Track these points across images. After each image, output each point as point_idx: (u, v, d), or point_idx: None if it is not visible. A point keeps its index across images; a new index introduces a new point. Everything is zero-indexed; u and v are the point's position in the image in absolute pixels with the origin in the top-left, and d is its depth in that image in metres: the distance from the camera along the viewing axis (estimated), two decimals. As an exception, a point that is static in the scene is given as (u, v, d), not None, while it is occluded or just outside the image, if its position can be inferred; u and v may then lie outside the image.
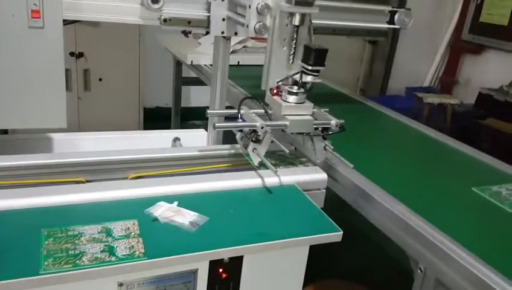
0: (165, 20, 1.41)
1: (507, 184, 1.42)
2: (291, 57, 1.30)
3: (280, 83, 1.31)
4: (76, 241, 0.91)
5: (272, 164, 1.26)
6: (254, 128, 1.21)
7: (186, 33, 1.52)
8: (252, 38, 2.74)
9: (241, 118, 1.28)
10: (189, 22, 1.45)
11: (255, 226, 1.04)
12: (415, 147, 1.80)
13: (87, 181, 1.23)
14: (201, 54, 2.57)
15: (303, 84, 1.29)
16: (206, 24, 1.47)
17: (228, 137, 1.69)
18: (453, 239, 1.06)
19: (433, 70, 4.83)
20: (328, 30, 1.68)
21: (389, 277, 1.91)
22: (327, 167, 1.41)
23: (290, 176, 1.27)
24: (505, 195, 1.35)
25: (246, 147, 1.28)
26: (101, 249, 0.90)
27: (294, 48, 1.29)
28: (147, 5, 1.35)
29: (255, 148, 1.24)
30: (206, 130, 1.76)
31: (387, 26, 1.70)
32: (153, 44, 3.58)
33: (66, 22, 1.31)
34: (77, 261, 0.86)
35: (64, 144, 1.55)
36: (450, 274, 1.03)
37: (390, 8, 1.68)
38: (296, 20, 1.25)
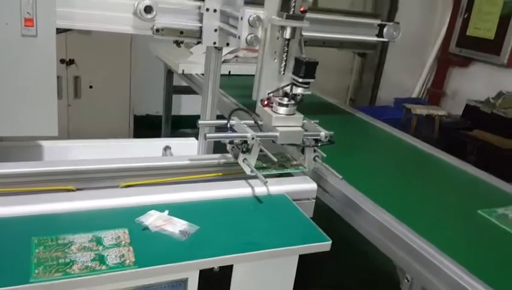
0: (157, 30, 1.42)
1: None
2: (282, 69, 1.32)
3: (271, 95, 1.33)
4: (66, 250, 0.92)
5: (263, 167, 1.30)
6: (245, 139, 1.23)
7: (178, 43, 1.52)
8: (243, 48, 2.76)
9: (231, 128, 1.30)
10: (181, 32, 1.46)
11: (245, 235, 1.05)
12: (404, 158, 1.82)
13: (78, 189, 1.24)
14: (193, 63, 2.58)
15: (293, 96, 1.31)
16: (198, 34, 1.49)
17: (219, 146, 1.71)
18: (439, 249, 1.08)
19: (422, 82, 4.91)
20: (318, 42, 1.71)
21: (377, 286, 1.93)
22: (317, 177, 1.42)
23: (280, 186, 1.28)
24: (511, 217, 1.33)
25: (236, 157, 1.29)
26: (92, 257, 0.90)
27: (285, 60, 1.31)
28: (140, 15, 1.36)
29: (245, 159, 1.25)
30: (197, 139, 1.77)
31: (376, 39, 1.73)
32: (144, 51, 3.59)
33: (59, 31, 1.31)
34: (67, 270, 0.86)
35: (54, 152, 1.55)
36: (437, 284, 1.05)
37: (379, 22, 1.71)
38: (287, 34, 1.27)
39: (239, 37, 1.29)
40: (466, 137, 3.73)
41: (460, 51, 4.48)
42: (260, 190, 1.25)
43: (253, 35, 1.27)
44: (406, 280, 1.13)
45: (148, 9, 1.36)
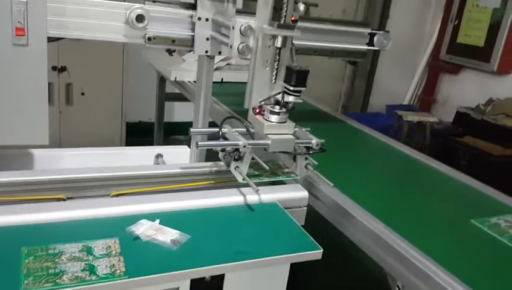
0: (149, 39, 1.42)
1: (506, 215, 1.40)
2: (273, 77, 1.33)
3: (262, 103, 1.34)
4: (56, 260, 0.91)
5: (255, 174, 1.30)
6: (237, 147, 1.23)
7: (170, 52, 1.53)
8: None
9: (223, 136, 1.30)
10: (173, 41, 1.47)
11: (237, 244, 1.05)
12: (396, 167, 1.82)
13: (68, 198, 1.23)
14: (185, 70, 2.58)
15: (285, 104, 1.32)
16: (190, 43, 1.49)
17: (211, 154, 1.71)
18: (430, 258, 1.09)
19: (413, 89, 4.95)
20: (309, 51, 1.72)
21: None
22: (308, 185, 1.43)
23: (272, 194, 1.29)
24: (504, 227, 1.33)
25: (228, 165, 1.29)
26: (82, 268, 0.90)
27: (277, 69, 1.32)
28: (132, 24, 1.37)
29: (237, 166, 1.26)
30: (189, 146, 1.77)
31: (366, 48, 1.75)
32: (136, 58, 3.58)
33: (51, 39, 1.31)
34: (57, 280, 0.86)
35: (44, 160, 1.54)
36: (427, 292, 1.05)
37: (369, 31, 1.73)
38: (278, 42, 1.28)
39: (231, 46, 1.30)
40: (457, 143, 3.76)
41: (451, 58, 4.53)
42: (252, 198, 1.25)
43: (244, 44, 1.28)
44: (397, 288, 1.13)
45: (139, 18, 1.37)
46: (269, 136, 1.29)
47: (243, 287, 1.07)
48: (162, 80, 3.17)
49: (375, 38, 1.73)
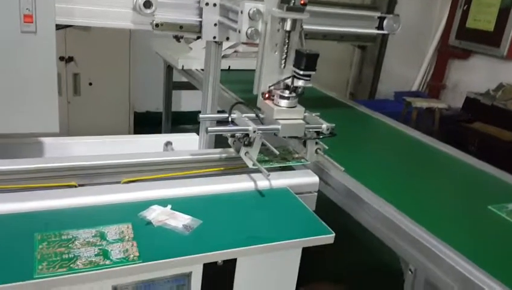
0: (157, 25, 1.42)
1: None
2: (282, 61, 1.32)
3: (272, 88, 1.33)
4: (70, 245, 0.92)
5: (265, 160, 1.30)
6: (246, 132, 1.23)
7: (178, 38, 1.52)
8: (243, 43, 2.76)
9: (232, 122, 1.30)
10: (181, 27, 1.46)
11: (248, 229, 1.05)
12: (408, 152, 1.80)
13: (80, 185, 1.24)
14: (192, 58, 2.57)
15: (294, 89, 1.30)
16: (198, 29, 1.48)
17: (220, 141, 1.70)
18: (443, 241, 1.08)
19: (421, 75, 4.89)
20: (318, 35, 1.70)
21: (380, 277, 1.93)
22: (318, 170, 1.42)
23: (282, 180, 1.28)
24: None
25: (238, 151, 1.29)
26: (96, 252, 0.90)
27: (286, 53, 1.31)
28: (139, 10, 1.36)
29: (247, 152, 1.25)
30: (198, 134, 1.77)
31: (376, 31, 1.72)
32: (143, 48, 3.58)
33: (58, 27, 1.31)
34: (71, 265, 0.86)
35: (54, 149, 1.55)
36: (440, 275, 1.05)
37: (379, 14, 1.71)
38: (288, 26, 1.27)
39: (239, 31, 1.28)
40: (467, 129, 3.72)
41: (460, 43, 4.47)
42: (262, 183, 1.25)
43: (253, 28, 1.27)
44: (409, 272, 1.13)
45: (147, 4, 1.36)
46: (279, 121, 1.28)
47: (255, 271, 1.07)
48: (169, 69, 3.16)
49: (385, 22, 1.71)
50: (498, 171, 1.60)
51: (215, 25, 1.45)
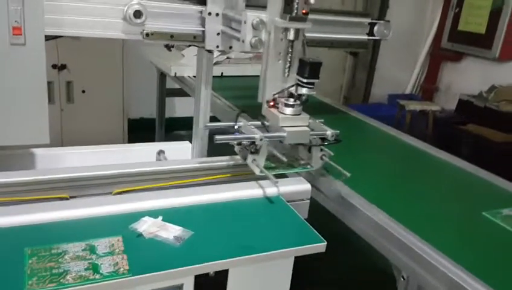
0: (147, 35, 1.41)
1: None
2: (286, 70, 1.34)
3: (276, 96, 1.35)
4: (60, 260, 0.91)
5: (272, 167, 1.31)
6: (253, 140, 1.25)
7: (169, 47, 1.52)
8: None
9: (238, 130, 1.32)
10: (171, 36, 1.46)
11: (240, 239, 1.05)
12: (401, 157, 1.80)
13: (71, 197, 1.23)
14: (185, 65, 2.57)
15: (299, 96, 1.33)
16: (190, 38, 1.48)
17: (213, 149, 1.70)
18: (435, 248, 1.08)
19: (415, 78, 4.92)
20: (310, 43, 1.70)
21: (375, 284, 1.92)
22: (311, 178, 1.42)
23: (275, 188, 1.28)
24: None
25: (244, 158, 1.31)
26: (85, 266, 0.89)
27: (290, 62, 1.33)
28: (129, 20, 1.36)
29: (254, 159, 1.27)
30: (191, 142, 1.76)
31: (367, 37, 1.73)
32: (136, 54, 3.57)
33: (48, 38, 1.31)
34: (61, 280, 0.86)
35: (47, 160, 1.54)
36: (433, 282, 1.05)
37: (369, 20, 1.71)
38: (291, 35, 1.29)
39: (243, 41, 1.30)
40: (460, 131, 3.74)
41: (452, 45, 4.50)
42: (254, 192, 1.25)
43: (257, 38, 1.28)
44: (402, 278, 1.13)
45: (137, 14, 1.36)
46: (285, 128, 1.30)
47: (247, 281, 1.07)
48: (163, 76, 3.15)
49: (376, 28, 1.72)
50: (491, 176, 1.59)
51: (218, 34, 1.46)
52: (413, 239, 1.12)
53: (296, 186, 1.32)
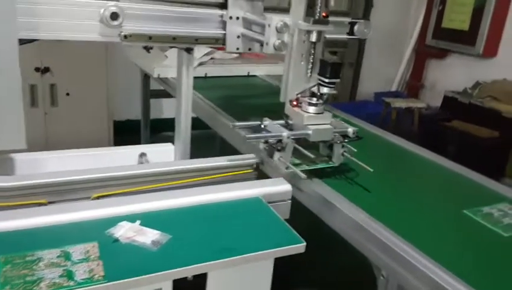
0: (125, 37, 1.40)
1: (498, 204, 1.36)
2: (309, 71, 1.41)
3: (299, 96, 1.40)
4: (34, 267, 0.90)
5: (296, 163, 1.37)
6: (280, 138, 1.31)
7: (147, 48, 1.51)
8: (219, 49, 2.75)
9: (264, 129, 1.39)
10: (150, 38, 1.45)
11: (219, 241, 1.05)
12: (384, 156, 1.79)
13: (50, 203, 1.22)
14: (168, 67, 2.55)
15: (321, 96, 1.37)
16: (169, 39, 1.48)
17: (195, 151, 1.70)
18: (414, 246, 1.08)
19: (400, 75, 4.95)
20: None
21: (355, 284, 1.93)
22: (292, 178, 1.42)
23: (255, 189, 1.28)
24: (497, 216, 1.30)
25: (271, 156, 1.36)
26: (60, 274, 0.88)
27: (312, 63, 1.39)
28: (106, 22, 1.34)
29: (280, 157, 1.32)
30: (173, 144, 1.76)
31: (347, 37, 1.73)
32: (120, 56, 3.54)
33: (24, 42, 1.29)
34: (35, 288, 0.84)
35: (26, 165, 1.52)
36: (412, 281, 1.05)
37: (349, 20, 1.71)
38: (314, 37, 1.36)
39: (267, 43, 1.35)
40: (445, 128, 3.77)
41: (437, 43, 4.53)
42: (234, 194, 1.24)
43: (280, 40, 1.34)
44: (381, 277, 1.13)
45: (114, 15, 1.34)
46: (309, 126, 1.35)
47: (227, 284, 1.07)
48: (146, 77, 3.13)
49: (356, 27, 1.71)
50: (474, 174, 1.59)
51: (238, 37, 1.50)
52: (392, 238, 1.12)
53: (277, 187, 1.31)
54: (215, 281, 1.03)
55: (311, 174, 1.43)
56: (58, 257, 0.93)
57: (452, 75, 4.47)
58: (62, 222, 1.05)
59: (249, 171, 1.46)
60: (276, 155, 1.33)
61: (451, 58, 4.52)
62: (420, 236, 1.15)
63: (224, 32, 1.50)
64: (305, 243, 1.07)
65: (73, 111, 3.61)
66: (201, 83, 2.49)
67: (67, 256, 0.93)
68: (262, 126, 1.40)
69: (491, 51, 4.10)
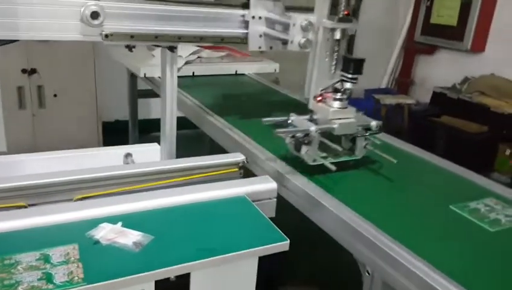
0: (106, 36, 1.38)
1: (484, 199, 1.37)
2: (332, 67, 1.46)
3: (323, 91, 1.46)
4: (12, 271, 0.88)
5: (323, 156, 1.41)
6: (307, 132, 1.35)
7: (130, 48, 1.50)
8: (206, 48, 2.73)
9: (291, 124, 1.44)
10: (132, 37, 1.43)
11: (202, 241, 1.04)
12: (370, 153, 1.79)
13: (30, 205, 1.20)
14: (154, 66, 2.53)
15: (344, 91, 1.43)
16: (151, 38, 1.46)
17: (181, 151, 1.68)
18: (398, 242, 1.08)
19: (389, 72, 4.96)
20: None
21: (342, 280, 1.92)
22: (278, 176, 1.42)
23: (240, 187, 1.27)
24: (483, 211, 1.29)
25: (298, 150, 1.38)
26: (39, 277, 0.87)
27: (336, 59, 1.45)
28: (87, 21, 1.33)
29: (307, 150, 1.37)
30: (159, 144, 1.74)
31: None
32: (107, 56, 3.52)
33: (3, 42, 1.27)
34: (12, 292, 0.83)
35: (6, 167, 1.49)
36: (397, 277, 1.04)
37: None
38: (338, 35, 1.41)
39: (291, 42, 1.38)
40: (435, 124, 3.78)
41: (426, 39, 4.54)
42: (219, 193, 1.23)
43: (305, 39, 1.37)
44: (366, 273, 1.13)
45: (94, 14, 1.33)
46: (334, 120, 1.40)
47: (210, 284, 1.05)
48: (133, 77, 3.11)
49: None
50: (461, 169, 1.59)
51: (261, 36, 1.52)
52: (376, 234, 1.12)
53: (262, 185, 1.30)
54: (198, 281, 1.02)
55: (297, 172, 1.43)
56: (37, 259, 0.91)
57: (441, 70, 4.49)
58: (42, 225, 1.03)
59: (235, 170, 1.45)
60: (304, 149, 1.36)
61: (440, 53, 4.54)
62: (406, 232, 1.15)
63: (246, 31, 1.52)
64: (288, 241, 1.06)
65: (62, 112, 3.58)
66: (190, 82, 2.48)
67: (46, 259, 0.92)
68: (289, 121, 1.44)
69: (479, 46, 4.12)
